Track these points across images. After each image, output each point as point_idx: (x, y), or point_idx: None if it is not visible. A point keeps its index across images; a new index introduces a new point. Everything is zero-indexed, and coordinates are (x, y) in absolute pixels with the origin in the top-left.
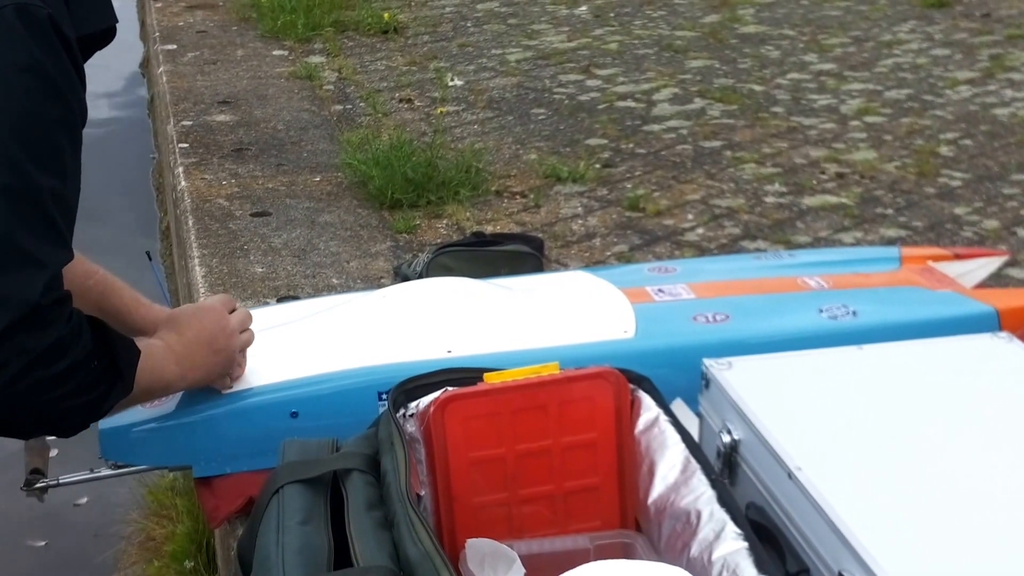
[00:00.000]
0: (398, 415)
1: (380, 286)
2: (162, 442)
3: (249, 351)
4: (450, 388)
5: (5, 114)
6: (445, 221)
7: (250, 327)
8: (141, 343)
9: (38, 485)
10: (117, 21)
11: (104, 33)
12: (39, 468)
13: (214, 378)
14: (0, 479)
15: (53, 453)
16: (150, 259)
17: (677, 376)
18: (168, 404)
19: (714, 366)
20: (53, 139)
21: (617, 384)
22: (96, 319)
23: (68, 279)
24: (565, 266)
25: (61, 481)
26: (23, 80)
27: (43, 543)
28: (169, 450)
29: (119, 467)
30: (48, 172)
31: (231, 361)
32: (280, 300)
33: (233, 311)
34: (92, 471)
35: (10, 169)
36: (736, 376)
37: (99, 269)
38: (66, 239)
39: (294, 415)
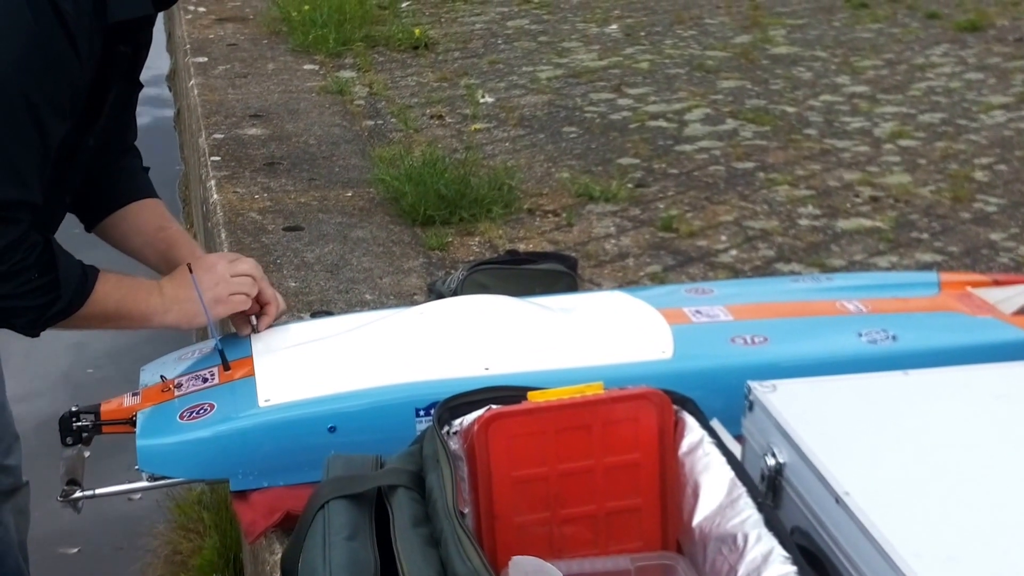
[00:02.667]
0: (442, 432)
1: (413, 302)
2: (200, 455)
3: (286, 365)
4: (494, 406)
5: None
6: (477, 239)
7: (250, 272)
8: (136, 278)
9: (74, 496)
10: (153, 11)
11: (140, 21)
12: (75, 479)
13: (202, 317)
14: (37, 479)
15: (86, 454)
16: (191, 271)
17: (714, 398)
18: (206, 418)
19: (758, 388)
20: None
21: (661, 405)
22: (58, 245)
23: (144, 228)
24: (599, 286)
25: (97, 493)
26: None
27: (75, 550)
28: (206, 463)
29: (156, 479)
30: (24, 117)
31: (220, 298)
32: (314, 315)
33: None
34: (129, 483)
35: None
36: (781, 399)
37: (173, 224)
38: (14, 178)
39: (332, 430)
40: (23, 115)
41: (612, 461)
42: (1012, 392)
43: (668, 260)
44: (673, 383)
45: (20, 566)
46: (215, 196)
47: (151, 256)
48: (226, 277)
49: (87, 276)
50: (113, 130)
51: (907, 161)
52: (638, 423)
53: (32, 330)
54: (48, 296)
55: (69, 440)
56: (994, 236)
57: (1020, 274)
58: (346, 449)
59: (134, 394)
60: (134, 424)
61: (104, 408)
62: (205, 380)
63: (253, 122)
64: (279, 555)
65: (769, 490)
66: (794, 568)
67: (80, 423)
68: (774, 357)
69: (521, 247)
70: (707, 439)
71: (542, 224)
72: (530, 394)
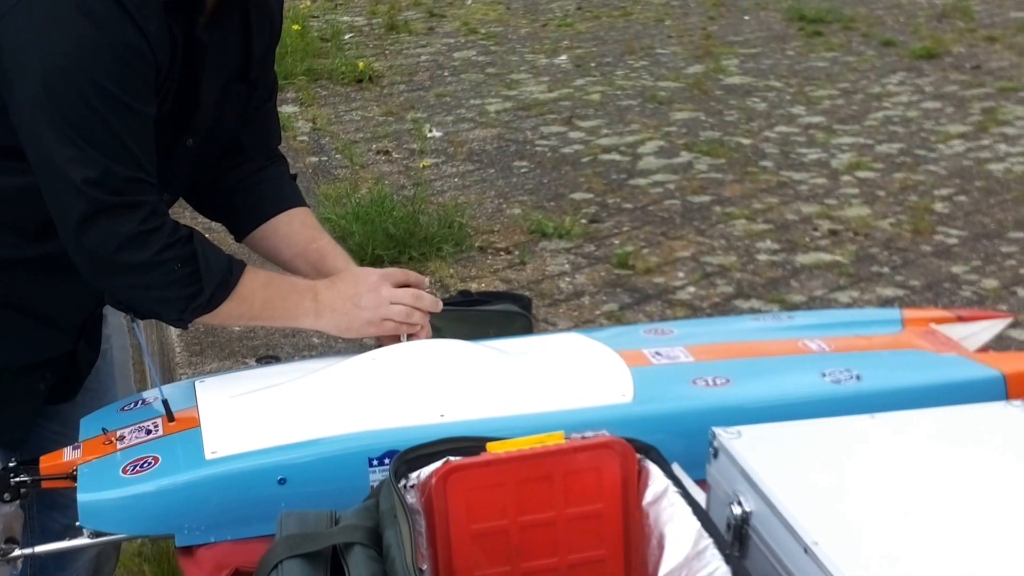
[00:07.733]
0: (399, 486)
1: (363, 347)
2: (144, 510)
3: (233, 415)
4: (452, 458)
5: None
6: (428, 279)
7: (410, 303)
8: (289, 278)
9: (12, 555)
10: None
11: (196, 4)
12: (13, 537)
13: (353, 331)
14: None
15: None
16: (133, 322)
17: (676, 441)
18: (150, 472)
19: (723, 435)
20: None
21: (624, 454)
22: (203, 238)
23: (295, 239)
24: (554, 326)
25: (36, 551)
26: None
27: None
28: (151, 518)
29: (98, 535)
30: (103, 101)
31: (373, 320)
32: (259, 360)
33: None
34: (69, 540)
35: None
36: (746, 445)
37: (324, 235)
38: (112, 156)
39: (282, 482)
40: (98, 101)
41: (574, 512)
42: (983, 434)
43: (625, 298)
44: (634, 427)
45: None
46: None
47: (303, 267)
48: (385, 302)
49: (232, 271)
50: (223, 132)
51: (866, 193)
52: (601, 473)
53: (179, 322)
54: (191, 288)
55: (6, 496)
56: (956, 269)
57: (983, 309)
58: (297, 501)
59: (75, 447)
60: (75, 479)
61: (44, 463)
62: (149, 432)
63: None
64: None
65: (736, 540)
66: None
67: (18, 479)
68: (736, 399)
69: (473, 287)
70: (672, 488)
71: (494, 262)
72: (489, 445)
